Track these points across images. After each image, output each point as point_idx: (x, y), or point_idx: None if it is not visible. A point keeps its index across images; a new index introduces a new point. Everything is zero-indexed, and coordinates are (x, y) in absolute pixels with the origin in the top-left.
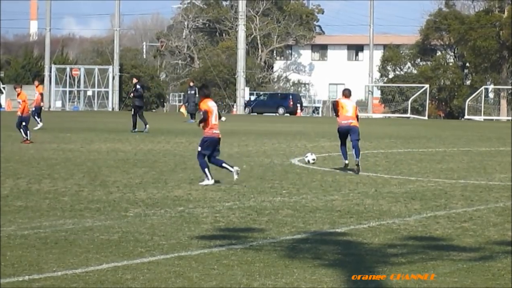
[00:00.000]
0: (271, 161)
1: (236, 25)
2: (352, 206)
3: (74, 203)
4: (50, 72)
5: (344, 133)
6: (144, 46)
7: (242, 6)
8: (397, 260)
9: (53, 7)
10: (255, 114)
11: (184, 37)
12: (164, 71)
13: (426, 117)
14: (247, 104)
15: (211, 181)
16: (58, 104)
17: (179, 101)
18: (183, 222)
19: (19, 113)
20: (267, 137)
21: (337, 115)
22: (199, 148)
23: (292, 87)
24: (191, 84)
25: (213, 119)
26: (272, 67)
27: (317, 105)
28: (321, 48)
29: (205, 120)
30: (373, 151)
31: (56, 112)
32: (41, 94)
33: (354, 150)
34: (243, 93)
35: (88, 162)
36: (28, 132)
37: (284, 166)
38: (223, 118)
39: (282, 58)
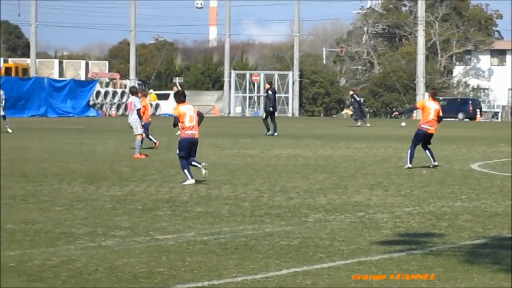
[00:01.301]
0: (450, 166)
1: (416, 31)
2: None
3: (254, 209)
4: (230, 78)
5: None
6: (324, 52)
7: (421, 11)
8: None
9: (233, 13)
10: None
11: (363, 42)
12: (344, 76)
13: None
14: None
15: (192, 180)
16: (238, 109)
17: None
18: (363, 227)
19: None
20: (447, 142)
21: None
22: (177, 151)
23: (471, 92)
24: (351, 92)
25: (187, 122)
26: (452, 73)
27: (496, 110)
28: (500, 54)
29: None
30: None
31: (235, 117)
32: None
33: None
34: (423, 99)
35: (268, 167)
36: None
37: (464, 171)
38: (402, 124)
39: (461, 63)
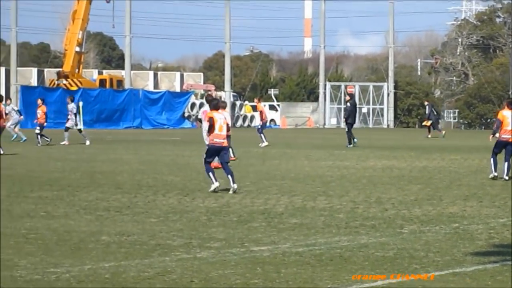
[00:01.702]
0: None
1: (510, 42)
2: None
3: (349, 220)
4: (325, 89)
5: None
6: (419, 63)
7: None
8: None
9: (328, 24)
10: None
11: (458, 53)
12: (439, 88)
13: None
14: None
15: (216, 184)
16: (333, 121)
17: (454, 118)
18: (458, 238)
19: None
20: None
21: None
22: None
23: None
24: (426, 102)
25: (217, 129)
26: None
27: None
28: None
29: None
30: None
31: (330, 129)
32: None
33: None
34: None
35: (363, 179)
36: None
37: None
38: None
39: None
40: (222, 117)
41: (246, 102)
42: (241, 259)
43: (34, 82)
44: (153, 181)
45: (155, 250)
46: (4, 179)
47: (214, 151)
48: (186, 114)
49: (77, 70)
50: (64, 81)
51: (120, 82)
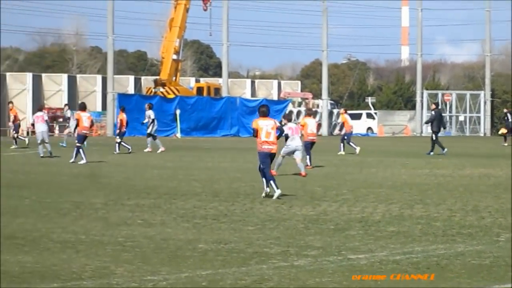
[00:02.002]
0: None
1: None
2: None
3: (446, 228)
4: (422, 97)
5: None
6: None
7: None
8: None
9: (424, 32)
10: None
11: None
12: None
13: None
14: None
15: (267, 190)
16: (430, 129)
17: None
18: None
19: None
20: None
21: None
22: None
23: None
24: (505, 110)
25: (263, 136)
26: None
27: None
28: None
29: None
30: None
31: (428, 137)
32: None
33: None
34: None
35: (460, 187)
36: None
37: None
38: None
39: None
40: (269, 124)
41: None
42: (338, 267)
43: (131, 90)
44: (251, 189)
45: (253, 258)
46: (102, 187)
47: (264, 157)
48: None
49: (174, 78)
50: (161, 89)
51: (217, 90)
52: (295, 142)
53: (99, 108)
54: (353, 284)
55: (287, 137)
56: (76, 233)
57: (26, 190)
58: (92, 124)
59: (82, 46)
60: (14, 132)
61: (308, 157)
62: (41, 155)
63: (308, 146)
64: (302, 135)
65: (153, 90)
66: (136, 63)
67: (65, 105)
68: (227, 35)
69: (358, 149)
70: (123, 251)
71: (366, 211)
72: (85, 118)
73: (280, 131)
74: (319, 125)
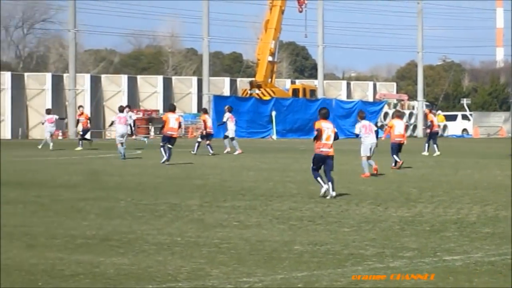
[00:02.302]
0: None
1: None
2: None
3: None
4: None
5: None
6: None
7: None
8: None
9: None
10: None
11: None
12: None
13: None
14: None
15: (325, 187)
16: None
17: None
18: None
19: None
20: None
21: None
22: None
23: None
24: None
25: (324, 139)
26: None
27: None
28: None
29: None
30: None
31: None
32: None
33: None
34: None
35: None
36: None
37: None
38: None
39: None
40: (330, 127)
41: (439, 111)
42: (433, 268)
43: (226, 91)
44: (346, 191)
45: (348, 260)
46: (197, 189)
47: (319, 160)
48: (379, 124)
49: (269, 79)
50: (257, 91)
51: (313, 91)
52: (369, 139)
53: (194, 110)
54: (448, 286)
55: (358, 136)
56: (171, 235)
57: (121, 192)
58: (180, 126)
59: (178, 48)
60: (81, 134)
61: (394, 158)
62: (123, 156)
63: (395, 148)
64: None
65: (249, 92)
66: (231, 65)
67: (126, 106)
68: (322, 37)
69: (425, 153)
70: (219, 252)
71: (461, 212)
72: (172, 119)
73: (336, 135)
74: (408, 127)
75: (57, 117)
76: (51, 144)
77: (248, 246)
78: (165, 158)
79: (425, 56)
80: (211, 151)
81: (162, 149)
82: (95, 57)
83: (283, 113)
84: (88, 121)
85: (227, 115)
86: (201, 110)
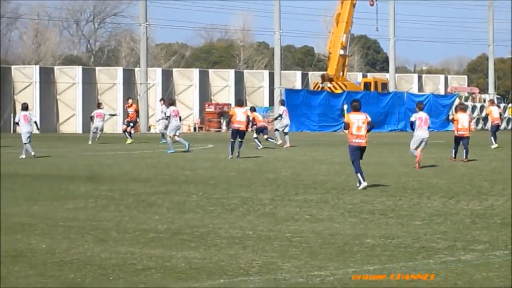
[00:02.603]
0: None
1: None
2: None
3: None
4: None
5: None
6: None
7: None
8: None
9: None
10: None
11: None
12: None
13: None
14: None
15: (364, 183)
16: None
17: None
18: None
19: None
20: None
21: None
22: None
23: None
24: None
25: (354, 130)
26: None
27: None
28: None
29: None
30: None
31: None
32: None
33: None
34: None
35: None
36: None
37: None
38: None
39: None
40: (361, 118)
41: (510, 104)
42: (504, 261)
43: (298, 85)
44: (418, 184)
45: (420, 253)
46: (269, 183)
47: (354, 150)
48: (450, 117)
49: (341, 73)
50: (329, 84)
51: (384, 85)
52: (421, 133)
53: (266, 104)
54: None
55: (412, 126)
56: (243, 228)
57: (193, 186)
58: (248, 119)
59: (249, 41)
60: (132, 127)
61: (453, 151)
62: (188, 148)
63: (458, 140)
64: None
65: (321, 85)
66: (303, 58)
67: (161, 99)
68: (393, 30)
69: (495, 146)
70: (291, 246)
71: None
72: (240, 113)
73: (370, 126)
74: (474, 120)
75: (107, 112)
76: (97, 137)
77: (320, 239)
78: (230, 155)
79: (496, 49)
80: (259, 145)
81: (230, 145)
82: (166, 51)
83: None
84: (136, 114)
85: (282, 108)
86: (250, 109)
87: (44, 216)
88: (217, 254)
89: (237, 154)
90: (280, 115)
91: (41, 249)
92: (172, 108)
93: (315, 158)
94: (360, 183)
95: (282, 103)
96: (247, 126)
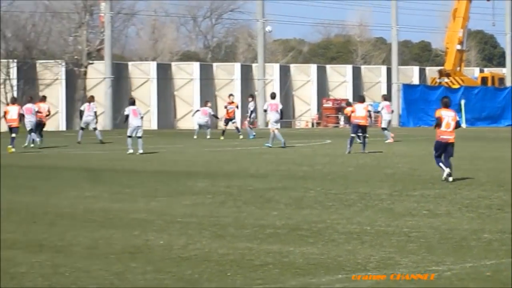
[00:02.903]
0: None
1: None
2: None
3: None
4: None
5: None
6: None
7: None
8: None
9: None
10: None
11: None
12: None
13: None
14: None
15: (446, 171)
16: None
17: None
18: None
19: None
20: None
21: None
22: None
23: None
24: None
25: (443, 126)
26: None
27: None
28: None
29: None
30: None
31: None
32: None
33: None
34: None
35: None
36: None
37: None
38: None
39: None
40: (451, 115)
41: None
42: None
43: (415, 80)
44: None
45: None
46: (387, 178)
47: (439, 146)
48: None
49: (458, 68)
50: (446, 80)
51: (501, 80)
52: None
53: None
54: None
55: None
56: (361, 224)
57: (311, 182)
58: (370, 115)
59: (366, 37)
60: (233, 122)
61: None
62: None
63: None
64: None
65: (438, 81)
66: (420, 53)
67: (250, 95)
68: (510, 25)
69: None
70: (408, 241)
71: None
72: (360, 108)
73: (457, 124)
74: None
75: (211, 111)
76: (207, 135)
77: (437, 234)
78: (348, 149)
79: None
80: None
81: (349, 139)
82: (284, 47)
83: (472, 102)
84: (236, 109)
85: (383, 103)
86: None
87: (161, 212)
88: (335, 249)
89: (361, 149)
90: (379, 111)
91: (158, 245)
92: (271, 101)
93: (433, 153)
94: (443, 171)
95: (384, 98)
96: (366, 121)
